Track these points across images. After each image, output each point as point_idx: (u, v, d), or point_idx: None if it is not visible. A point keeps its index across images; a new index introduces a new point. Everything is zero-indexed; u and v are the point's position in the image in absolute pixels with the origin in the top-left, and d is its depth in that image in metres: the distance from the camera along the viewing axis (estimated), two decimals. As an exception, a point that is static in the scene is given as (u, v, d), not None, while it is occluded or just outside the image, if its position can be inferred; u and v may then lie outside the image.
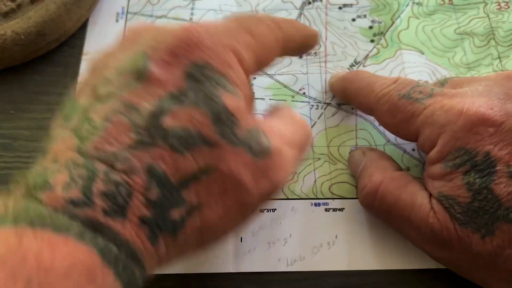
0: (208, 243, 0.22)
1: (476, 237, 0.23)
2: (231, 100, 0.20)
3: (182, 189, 0.19)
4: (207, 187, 0.20)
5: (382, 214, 0.28)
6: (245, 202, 0.21)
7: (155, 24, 0.22)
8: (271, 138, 0.22)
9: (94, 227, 0.17)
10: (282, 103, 0.28)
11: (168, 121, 0.19)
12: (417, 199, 0.26)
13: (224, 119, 0.20)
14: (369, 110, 0.29)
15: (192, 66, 0.20)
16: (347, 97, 0.32)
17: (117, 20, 0.39)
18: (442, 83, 0.29)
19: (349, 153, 0.33)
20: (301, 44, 0.28)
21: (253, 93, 0.25)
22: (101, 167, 0.18)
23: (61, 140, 0.20)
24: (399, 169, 0.30)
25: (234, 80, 0.21)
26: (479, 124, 0.24)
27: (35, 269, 0.15)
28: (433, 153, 0.25)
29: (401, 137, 0.29)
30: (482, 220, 0.23)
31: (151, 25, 0.23)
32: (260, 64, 0.24)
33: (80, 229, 0.17)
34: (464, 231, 0.24)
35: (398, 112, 0.27)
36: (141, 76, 0.20)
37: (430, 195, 0.26)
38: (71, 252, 0.16)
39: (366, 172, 0.29)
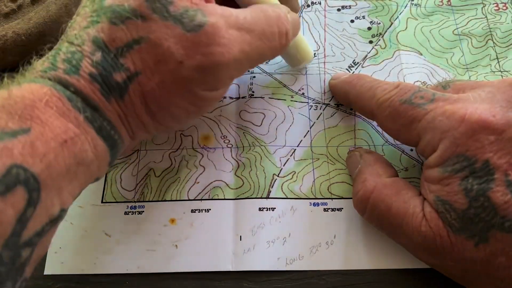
0: (157, 113, 0.25)
1: (470, 244, 0.23)
2: None
3: (120, 56, 0.23)
4: (141, 56, 0.23)
5: (374, 221, 0.28)
6: (179, 73, 0.24)
7: None
8: (210, 16, 0.24)
9: (59, 82, 0.22)
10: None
11: (108, 0, 0.23)
12: (409, 207, 0.26)
13: None
14: (371, 114, 0.30)
15: None
16: (348, 101, 0.32)
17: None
18: (444, 86, 0.29)
19: (348, 153, 0.33)
20: None
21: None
22: (65, 44, 0.23)
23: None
24: (394, 174, 0.29)
25: None
26: (480, 131, 0.23)
27: (23, 104, 0.20)
28: (433, 157, 0.25)
29: (402, 142, 0.29)
30: (477, 227, 0.23)
31: None
32: None
33: (51, 82, 0.22)
34: (457, 238, 0.24)
35: (400, 118, 0.27)
36: None
37: (423, 203, 0.26)
38: (47, 92, 0.21)
39: (360, 176, 0.29)
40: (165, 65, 0.23)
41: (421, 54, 0.36)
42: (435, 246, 0.24)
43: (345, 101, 0.34)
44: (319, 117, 0.35)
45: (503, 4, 0.38)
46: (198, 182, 0.32)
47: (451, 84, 0.29)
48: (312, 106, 0.35)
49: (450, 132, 0.24)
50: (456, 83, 0.29)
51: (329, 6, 0.39)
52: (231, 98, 0.35)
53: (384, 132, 0.34)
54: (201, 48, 0.23)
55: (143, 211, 0.32)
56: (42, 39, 0.36)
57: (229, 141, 0.34)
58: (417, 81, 0.35)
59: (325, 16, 0.39)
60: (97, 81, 0.22)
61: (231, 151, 0.33)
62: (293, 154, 0.33)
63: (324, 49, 0.37)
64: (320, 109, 0.35)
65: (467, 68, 0.36)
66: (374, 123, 0.34)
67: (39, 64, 0.23)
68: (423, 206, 0.26)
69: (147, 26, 0.23)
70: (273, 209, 0.31)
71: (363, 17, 0.38)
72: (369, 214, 0.28)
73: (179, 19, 0.23)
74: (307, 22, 0.39)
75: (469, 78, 0.35)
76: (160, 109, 0.25)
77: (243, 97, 0.35)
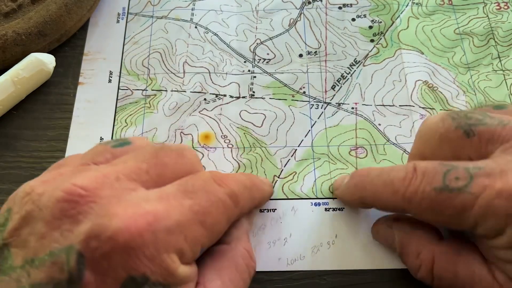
0: None
1: None
2: None
3: None
4: None
5: None
6: None
7: (99, 196, 0.20)
8: None
9: None
10: (241, 224, 0.27)
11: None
12: (475, 270, 0.24)
13: None
14: (401, 210, 0.26)
15: (128, 280, 0.19)
16: (366, 205, 0.29)
17: (118, 21, 0.39)
18: (498, 107, 0.26)
19: (372, 228, 0.30)
20: (254, 207, 0.29)
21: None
22: None
23: None
24: (438, 232, 0.27)
25: (175, 285, 0.21)
26: None
27: None
28: (501, 242, 0.23)
29: (451, 229, 0.27)
30: None
31: (96, 195, 0.21)
32: (206, 246, 0.23)
33: None
34: None
35: (443, 209, 0.23)
36: (73, 282, 0.19)
37: (488, 265, 0.24)
38: None
39: (409, 249, 0.27)
40: None
41: (423, 53, 0.36)
42: None
43: (363, 206, 0.30)
44: (320, 116, 0.35)
45: (505, 3, 0.38)
46: (199, 183, 0.32)
47: (508, 106, 0.26)
48: (313, 105, 0.35)
49: None
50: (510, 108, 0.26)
51: (330, 4, 0.39)
52: (231, 97, 0.35)
53: (385, 131, 0.33)
54: None
55: (144, 212, 0.31)
56: (42, 39, 0.36)
57: (230, 141, 0.34)
58: (419, 80, 0.35)
59: (326, 13, 0.39)
60: None
61: (231, 151, 0.33)
62: (294, 155, 0.33)
63: (325, 47, 0.37)
64: (321, 108, 0.35)
65: (468, 67, 0.35)
66: (376, 122, 0.34)
67: None
68: (487, 264, 0.24)
69: None
70: (274, 210, 0.31)
71: (364, 15, 0.38)
72: (437, 285, 0.26)
73: None
74: (308, 19, 0.39)
75: (471, 77, 0.35)
76: None
77: (243, 97, 0.35)
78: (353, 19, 0.38)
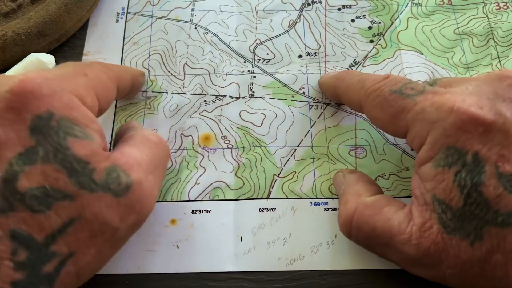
0: (85, 279, 0.23)
1: (465, 244, 0.23)
2: (82, 146, 0.22)
3: (50, 244, 0.20)
4: (76, 236, 0.21)
5: (362, 243, 0.28)
6: (115, 238, 0.23)
7: None
8: (130, 172, 0.23)
9: None
10: (132, 123, 0.30)
11: (22, 184, 0.20)
12: (394, 224, 0.25)
13: (78, 169, 0.21)
14: (359, 106, 0.29)
15: (35, 119, 0.21)
16: (337, 94, 0.32)
17: (117, 20, 0.39)
18: (431, 84, 0.29)
19: (334, 175, 0.32)
20: (131, 82, 0.32)
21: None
22: None
23: None
24: (377, 191, 0.29)
25: (82, 121, 0.23)
26: (469, 122, 0.23)
27: None
28: (423, 151, 0.25)
29: (389, 133, 0.28)
30: (471, 225, 0.23)
31: None
32: (102, 101, 0.26)
33: None
34: (452, 239, 0.23)
35: (388, 107, 0.27)
36: None
37: (410, 214, 0.25)
38: None
39: (342, 198, 0.29)
40: (102, 236, 0.22)
41: (422, 54, 0.36)
42: (430, 254, 0.24)
43: (334, 95, 0.34)
44: (319, 116, 0.35)
45: (504, 4, 0.38)
46: (198, 183, 0.32)
47: (437, 81, 0.29)
48: (312, 105, 0.35)
49: (439, 123, 0.24)
50: (443, 80, 0.29)
51: (329, 5, 0.39)
52: (231, 97, 0.35)
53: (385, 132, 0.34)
54: (133, 207, 0.23)
55: (144, 212, 0.31)
56: (42, 39, 0.36)
57: (229, 141, 0.34)
58: (418, 80, 0.35)
59: (325, 15, 0.39)
60: (20, 285, 0.19)
61: (231, 151, 0.33)
62: (294, 154, 0.33)
63: (325, 49, 0.37)
64: (321, 108, 0.35)
65: (468, 68, 0.36)
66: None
67: None
68: (410, 217, 0.25)
69: (77, 205, 0.21)
70: (273, 209, 0.31)
71: (364, 16, 0.38)
72: (355, 237, 0.27)
73: (107, 186, 0.22)
74: (307, 21, 0.39)
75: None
76: (91, 274, 0.24)
77: (243, 97, 0.35)
78: (353, 20, 0.38)
